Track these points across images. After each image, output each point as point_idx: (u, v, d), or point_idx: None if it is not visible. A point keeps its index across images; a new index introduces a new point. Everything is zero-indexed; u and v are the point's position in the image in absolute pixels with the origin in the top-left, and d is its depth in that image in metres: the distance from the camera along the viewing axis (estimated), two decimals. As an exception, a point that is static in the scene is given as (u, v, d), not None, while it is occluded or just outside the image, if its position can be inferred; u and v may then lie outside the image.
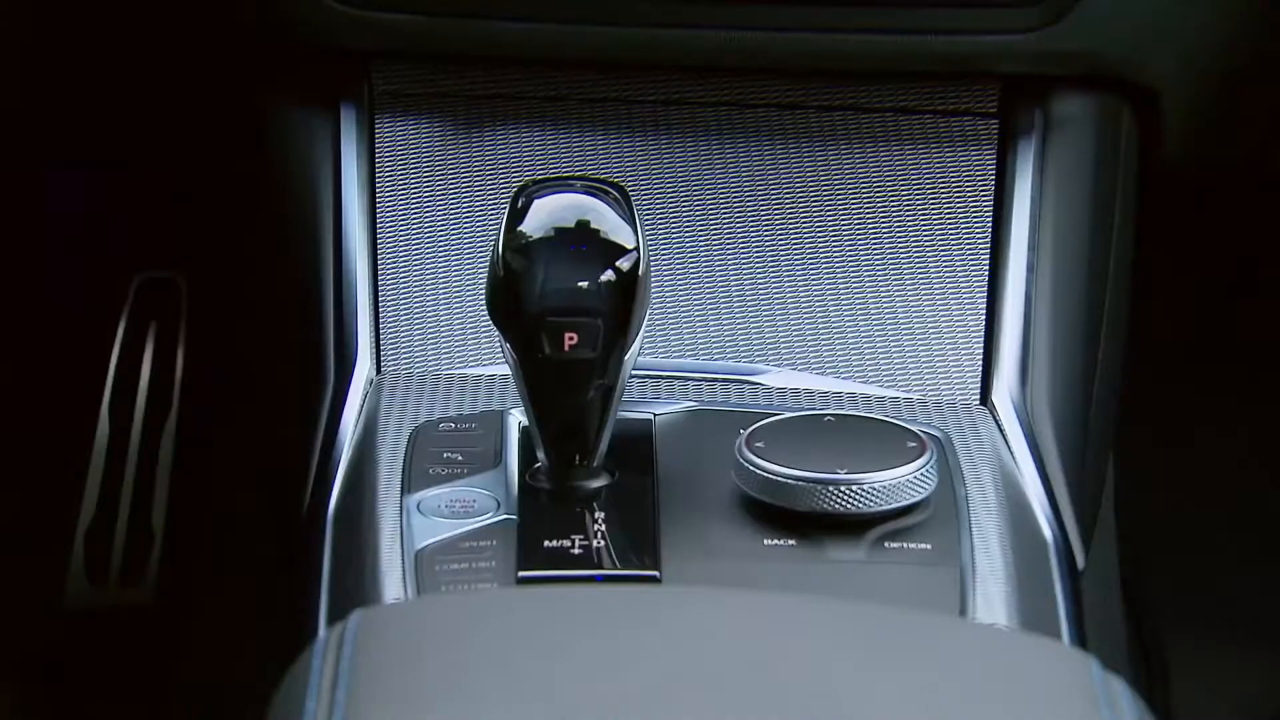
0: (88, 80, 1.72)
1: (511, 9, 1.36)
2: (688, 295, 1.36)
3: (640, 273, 1.10)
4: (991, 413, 1.29)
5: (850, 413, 1.20)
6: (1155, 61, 1.39)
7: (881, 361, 1.32)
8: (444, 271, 1.37)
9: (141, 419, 1.96)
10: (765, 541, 1.12)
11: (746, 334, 1.34)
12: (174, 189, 1.89)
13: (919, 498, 1.12)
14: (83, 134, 1.83)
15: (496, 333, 1.13)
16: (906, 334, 1.33)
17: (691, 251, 1.37)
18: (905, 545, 1.12)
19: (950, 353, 1.32)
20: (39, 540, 1.90)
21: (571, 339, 1.10)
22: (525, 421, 1.17)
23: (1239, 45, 1.43)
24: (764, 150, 1.40)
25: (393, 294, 1.36)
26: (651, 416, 1.24)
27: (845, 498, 1.11)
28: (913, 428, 1.16)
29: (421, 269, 1.37)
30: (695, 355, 1.34)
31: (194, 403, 1.95)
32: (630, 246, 1.10)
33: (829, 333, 1.34)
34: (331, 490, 1.26)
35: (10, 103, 1.68)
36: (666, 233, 1.38)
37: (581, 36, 1.37)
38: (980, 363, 1.32)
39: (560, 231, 1.11)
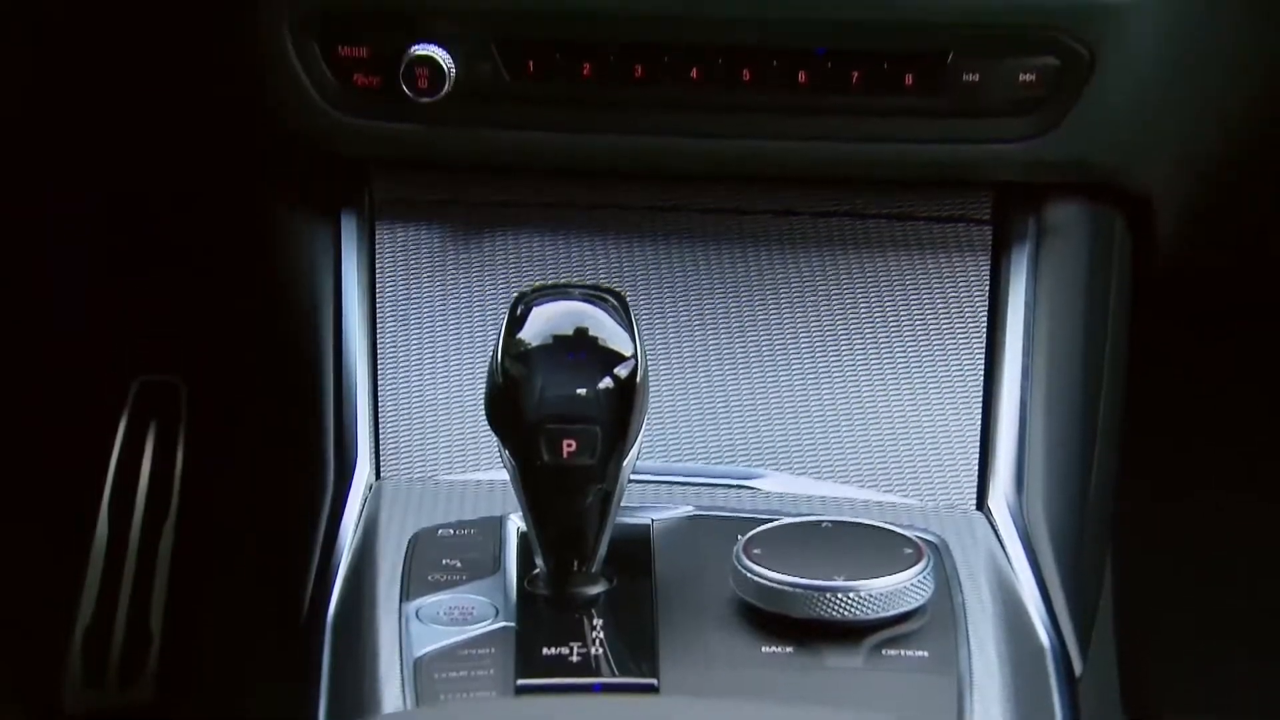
0: (93, 182, 1.74)
1: (509, 120, 1.38)
2: (685, 399, 1.37)
3: (638, 380, 1.11)
4: (988, 518, 1.29)
5: (847, 519, 1.20)
6: (1146, 169, 1.41)
7: (878, 466, 1.33)
8: (443, 377, 1.38)
9: (141, 520, 1.96)
10: (763, 649, 1.12)
11: (744, 438, 1.35)
12: (175, 293, 1.90)
13: (916, 605, 1.13)
14: (87, 235, 1.84)
15: (495, 438, 1.14)
16: (903, 438, 1.34)
17: (689, 356, 1.38)
18: (903, 653, 1.12)
19: (946, 457, 1.33)
20: (37, 641, 1.90)
21: (570, 446, 1.10)
22: (524, 527, 1.18)
23: (1229, 153, 1.45)
24: (760, 255, 1.42)
25: (392, 399, 1.37)
26: (650, 522, 1.24)
27: (842, 605, 1.11)
28: (909, 534, 1.16)
29: (421, 374, 1.38)
30: (693, 459, 1.34)
31: (193, 505, 1.96)
32: (628, 354, 1.11)
33: (826, 437, 1.35)
34: (331, 595, 1.26)
35: (16, 199, 1.69)
36: (665, 338, 1.39)
37: (579, 146, 1.39)
38: (976, 468, 1.32)
39: (559, 339, 1.12)
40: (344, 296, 1.41)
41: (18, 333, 1.91)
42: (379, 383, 1.37)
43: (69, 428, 1.98)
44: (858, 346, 1.38)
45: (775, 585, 1.12)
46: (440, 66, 1.34)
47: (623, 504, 1.15)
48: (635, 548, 1.21)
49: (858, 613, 1.11)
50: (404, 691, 1.11)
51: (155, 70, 1.51)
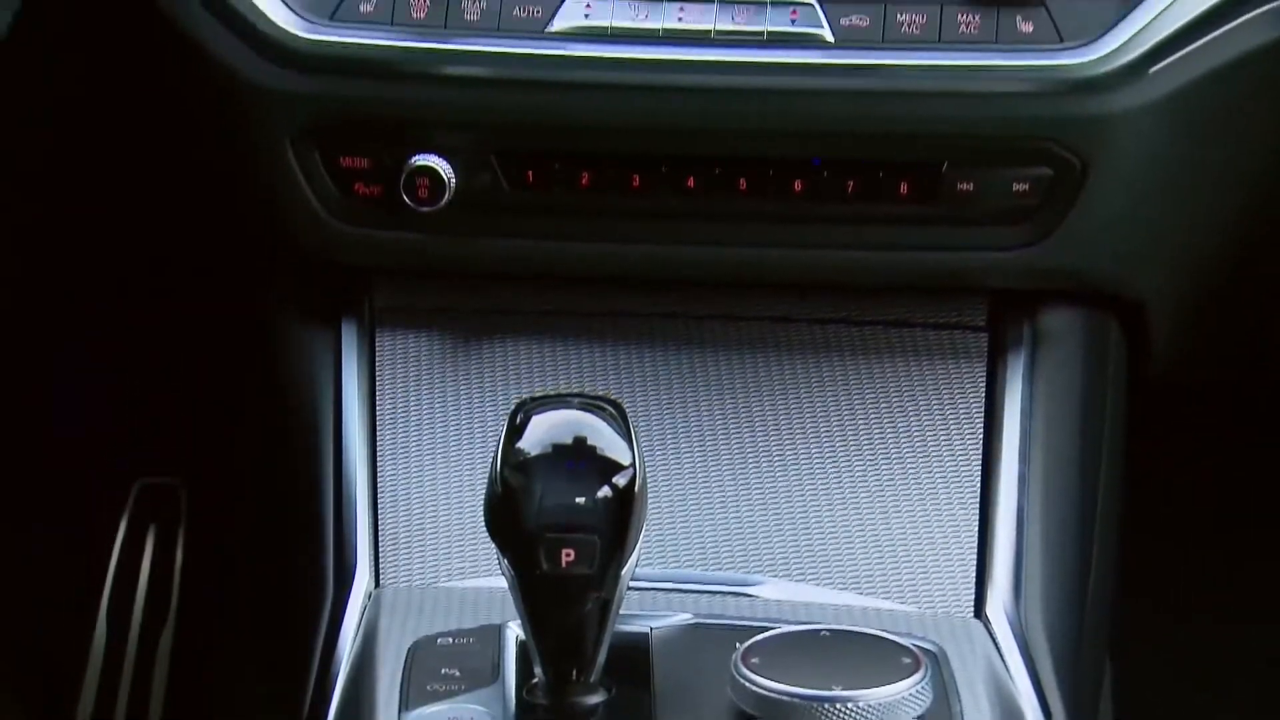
0: (96, 289, 1.75)
1: (508, 228, 1.39)
2: (684, 506, 1.37)
3: (637, 489, 1.12)
4: (986, 626, 1.29)
5: (845, 627, 1.20)
6: (1140, 277, 1.43)
7: (876, 573, 1.33)
8: (443, 484, 1.38)
9: (140, 623, 1.96)
10: None
11: (743, 545, 1.35)
12: (177, 396, 1.91)
13: (914, 715, 1.13)
14: (87, 338, 1.85)
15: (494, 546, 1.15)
16: (900, 545, 1.34)
17: (687, 463, 1.39)
18: None
19: (944, 564, 1.33)
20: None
21: (569, 555, 1.11)
22: (523, 635, 1.18)
23: (1221, 261, 1.47)
24: (757, 362, 1.43)
25: (392, 507, 1.37)
26: (648, 630, 1.24)
27: (840, 715, 1.11)
28: (907, 643, 1.16)
29: (420, 481, 1.38)
30: (692, 566, 1.35)
31: (192, 609, 1.96)
32: (626, 463, 1.12)
33: (824, 543, 1.35)
34: (330, 703, 1.26)
35: (17, 304, 1.71)
36: (663, 445, 1.39)
37: (577, 254, 1.41)
38: (974, 575, 1.33)
39: (557, 448, 1.12)
40: (344, 403, 1.42)
41: (19, 434, 1.91)
42: (378, 489, 1.38)
43: (69, 529, 1.98)
44: (855, 453, 1.39)
45: (773, 695, 1.12)
46: (440, 176, 1.36)
47: (621, 611, 1.16)
48: (634, 656, 1.21)
49: (856, 723, 1.11)
50: None
51: (158, 179, 1.53)
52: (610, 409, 1.16)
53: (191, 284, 1.67)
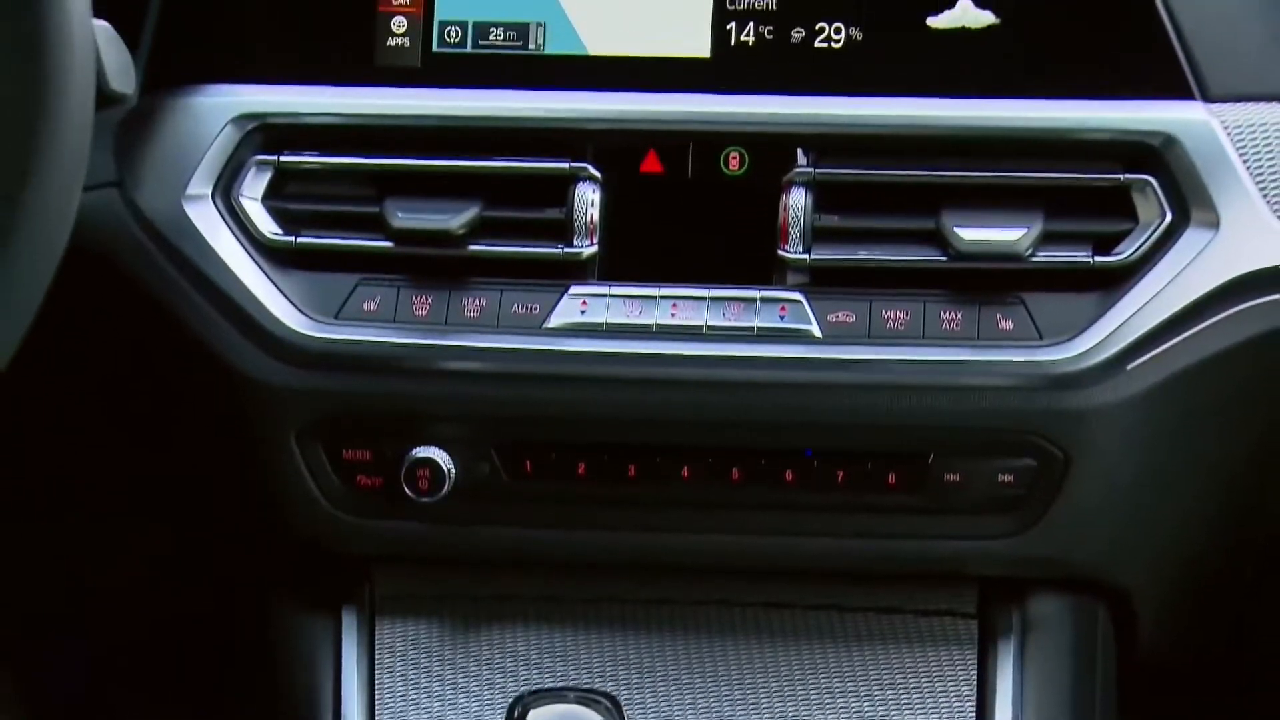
0: (92, 579, 1.77)
1: (507, 518, 1.42)
2: None
3: None
4: None
5: None
6: (1125, 565, 1.45)
7: None
8: None
9: None
10: None
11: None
12: (175, 683, 1.91)
13: None
14: (87, 631, 1.86)
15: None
16: None
17: None
18: None
19: None
20: None
21: None
22: None
23: (1205, 550, 1.49)
24: (750, 648, 1.44)
25: None
26: None
27: None
28: None
29: None
30: None
31: None
32: (622, 758, 1.13)
33: None
34: None
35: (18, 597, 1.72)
36: None
37: (574, 542, 1.43)
38: None
39: (555, 743, 1.14)
40: (343, 691, 1.43)
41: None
42: None
43: None
44: None
45: None
46: (441, 468, 1.39)
47: None
48: None
49: None
50: None
51: (160, 472, 1.55)
52: (606, 702, 1.17)
53: (192, 573, 1.68)
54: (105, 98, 1.23)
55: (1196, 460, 1.42)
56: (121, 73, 1.25)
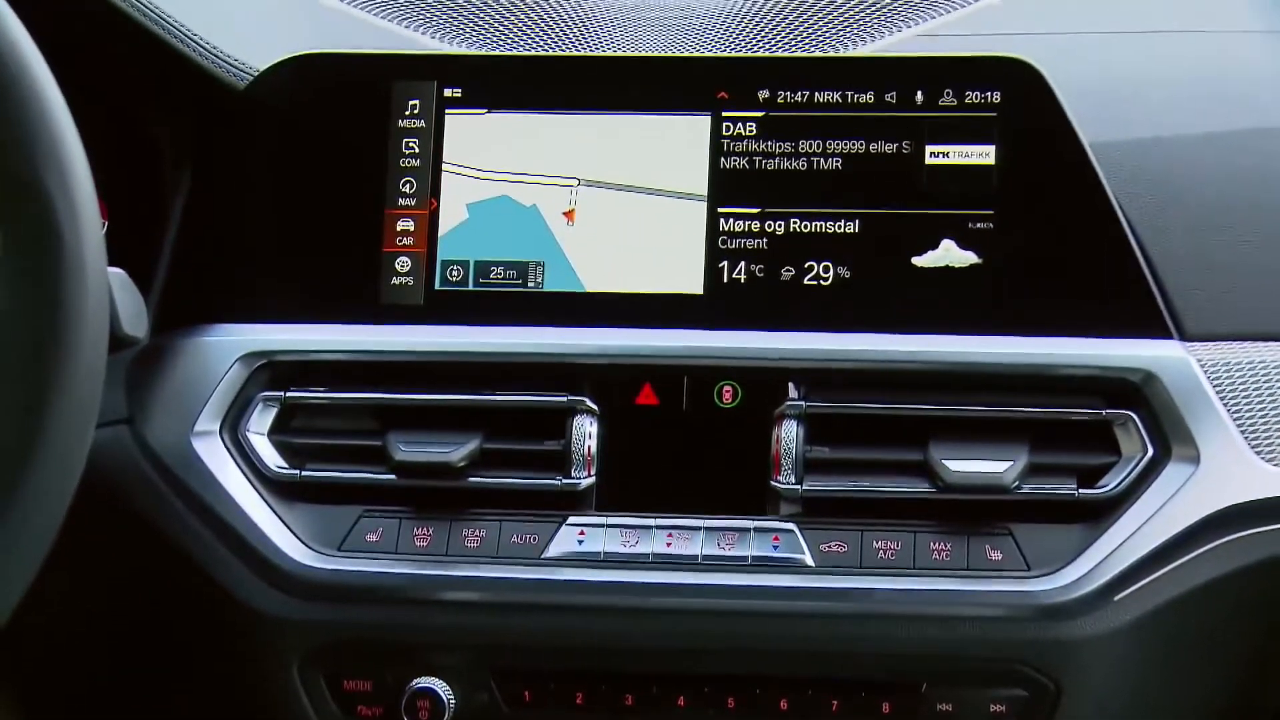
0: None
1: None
2: None
3: None
4: None
5: None
6: None
7: None
8: None
9: None
10: None
11: None
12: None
13: None
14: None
15: None
16: None
17: None
18: None
19: None
20: None
21: None
22: None
23: None
24: None
25: None
26: None
27: None
28: None
29: None
30: None
31: None
32: None
33: None
34: None
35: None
36: None
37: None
38: None
39: None
40: None
41: None
42: None
43: None
44: None
45: None
46: (440, 699, 1.40)
47: None
48: None
49: None
50: None
51: (166, 702, 1.56)
52: None
53: None
54: (118, 341, 1.27)
55: (1187, 689, 1.44)
56: (135, 317, 1.29)
